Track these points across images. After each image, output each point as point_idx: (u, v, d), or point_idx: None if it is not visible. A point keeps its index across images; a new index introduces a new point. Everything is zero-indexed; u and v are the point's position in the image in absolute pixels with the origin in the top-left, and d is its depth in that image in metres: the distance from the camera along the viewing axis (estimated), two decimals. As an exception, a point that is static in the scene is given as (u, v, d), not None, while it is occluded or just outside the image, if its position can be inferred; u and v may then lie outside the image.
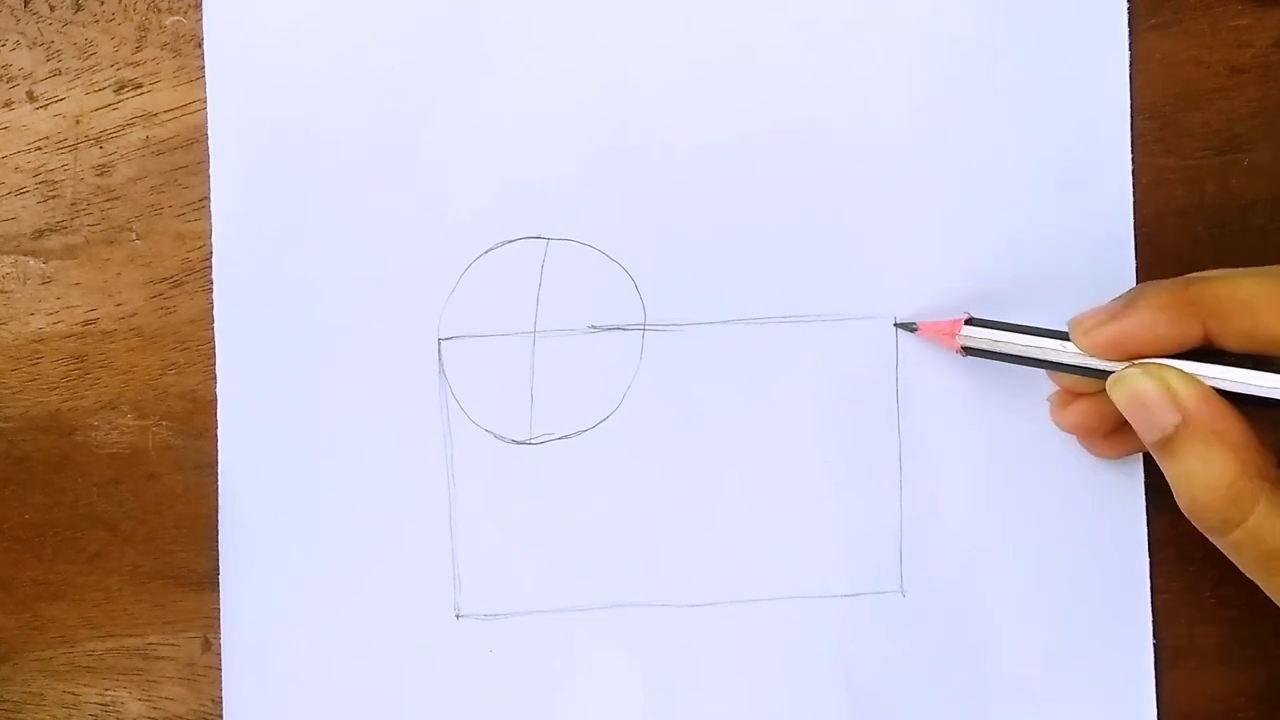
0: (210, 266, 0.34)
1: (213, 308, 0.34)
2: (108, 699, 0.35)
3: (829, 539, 0.34)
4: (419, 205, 0.34)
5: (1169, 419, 0.26)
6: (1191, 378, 0.26)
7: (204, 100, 0.34)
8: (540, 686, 0.34)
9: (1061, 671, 0.34)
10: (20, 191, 0.35)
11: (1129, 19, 0.34)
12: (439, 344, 0.34)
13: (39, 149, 0.35)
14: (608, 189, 0.34)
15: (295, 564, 0.34)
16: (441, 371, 0.34)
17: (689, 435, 0.34)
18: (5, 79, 0.35)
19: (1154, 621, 0.34)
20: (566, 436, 0.34)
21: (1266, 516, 0.25)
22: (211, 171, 0.34)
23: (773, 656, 0.34)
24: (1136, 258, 0.34)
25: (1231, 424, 0.25)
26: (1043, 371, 0.32)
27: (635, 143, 0.34)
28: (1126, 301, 0.27)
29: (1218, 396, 0.26)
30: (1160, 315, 0.26)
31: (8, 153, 0.35)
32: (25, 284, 0.35)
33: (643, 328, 0.34)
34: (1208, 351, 0.26)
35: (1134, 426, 0.27)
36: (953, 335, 0.32)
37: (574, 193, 0.34)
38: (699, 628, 0.34)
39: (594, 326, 0.34)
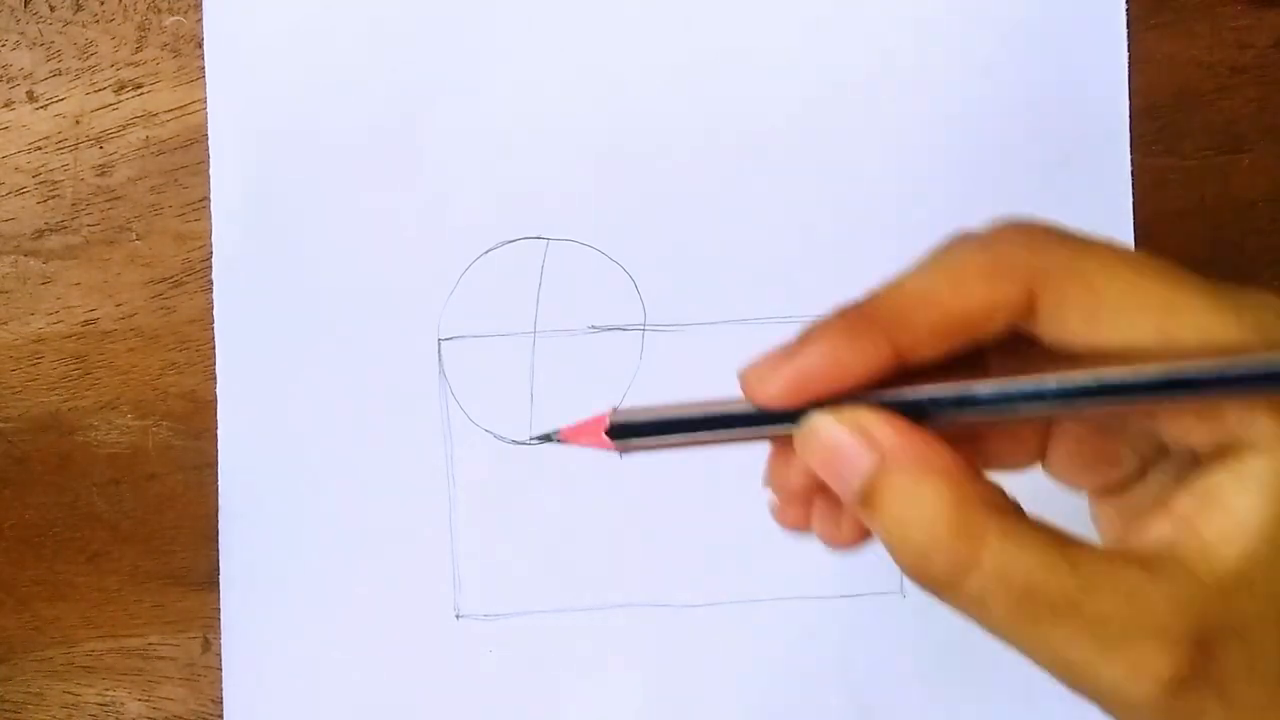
0: (210, 266, 0.34)
1: (212, 308, 0.34)
2: (108, 699, 0.35)
3: (829, 539, 0.34)
4: (419, 205, 0.34)
5: (863, 462, 0.21)
6: (888, 412, 0.21)
7: (204, 100, 0.34)
8: (540, 686, 0.34)
9: (1061, 671, 0.34)
10: (20, 191, 0.35)
11: (1129, 19, 0.34)
12: (439, 344, 0.34)
13: (39, 149, 0.35)
14: (608, 189, 0.34)
15: (295, 564, 0.34)
16: (441, 372, 0.34)
17: (689, 435, 0.34)
18: (5, 79, 0.35)
19: None
20: (566, 436, 0.34)
21: (1003, 550, 0.20)
22: (211, 171, 0.34)
23: (773, 656, 0.34)
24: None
25: (938, 451, 0.21)
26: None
27: (635, 143, 0.34)
28: (800, 338, 0.23)
29: (917, 427, 0.21)
30: (837, 343, 0.22)
31: (8, 153, 0.35)
32: (25, 284, 0.35)
33: (643, 328, 0.34)
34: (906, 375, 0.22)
35: (833, 487, 0.22)
36: (599, 436, 0.25)
37: (574, 193, 0.34)
38: (699, 628, 0.34)
39: (594, 326, 0.34)
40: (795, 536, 0.27)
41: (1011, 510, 0.21)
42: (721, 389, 0.35)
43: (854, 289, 0.34)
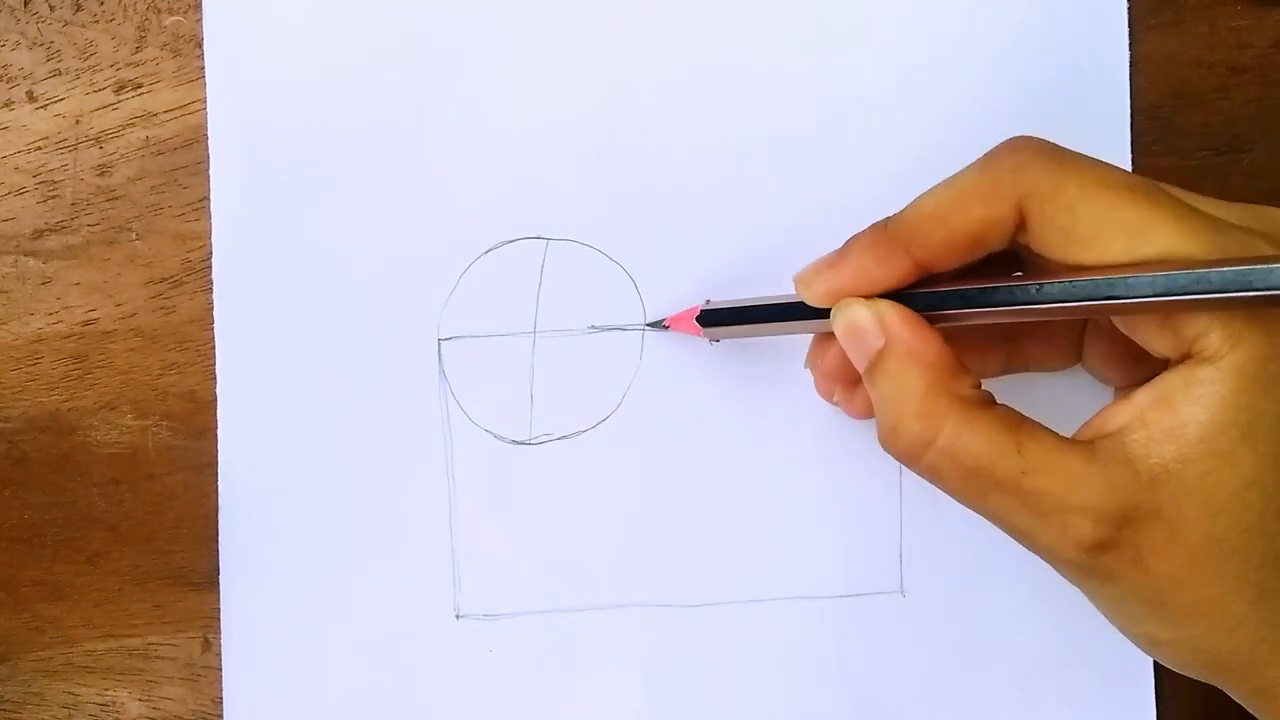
0: (210, 266, 0.34)
1: (212, 308, 0.34)
2: (107, 699, 0.35)
3: (829, 539, 0.34)
4: (419, 205, 0.34)
5: (875, 343, 0.26)
6: (899, 306, 0.26)
7: (204, 100, 0.34)
8: (540, 687, 0.34)
9: (1061, 672, 0.34)
10: (20, 191, 0.35)
11: (1129, 19, 0.34)
12: (439, 344, 0.34)
13: (39, 149, 0.35)
14: (608, 189, 0.34)
15: (295, 564, 0.34)
16: (441, 372, 0.34)
17: (689, 435, 0.34)
18: (5, 79, 0.35)
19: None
20: (566, 437, 0.34)
21: (957, 434, 0.25)
22: (211, 171, 0.34)
23: (773, 656, 0.34)
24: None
25: (929, 345, 0.26)
26: (1054, 376, 0.32)
27: (635, 143, 0.34)
28: (840, 250, 0.27)
29: (922, 323, 0.26)
30: (867, 257, 0.27)
31: (7, 153, 0.35)
32: (25, 284, 0.35)
33: (643, 328, 0.34)
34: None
35: (853, 360, 0.27)
36: (693, 324, 0.32)
37: (574, 193, 0.34)
38: (699, 628, 0.34)
39: (594, 327, 0.34)
40: (824, 404, 0.33)
41: (976, 401, 0.25)
42: (721, 389, 0.35)
43: (854, 289, 0.34)
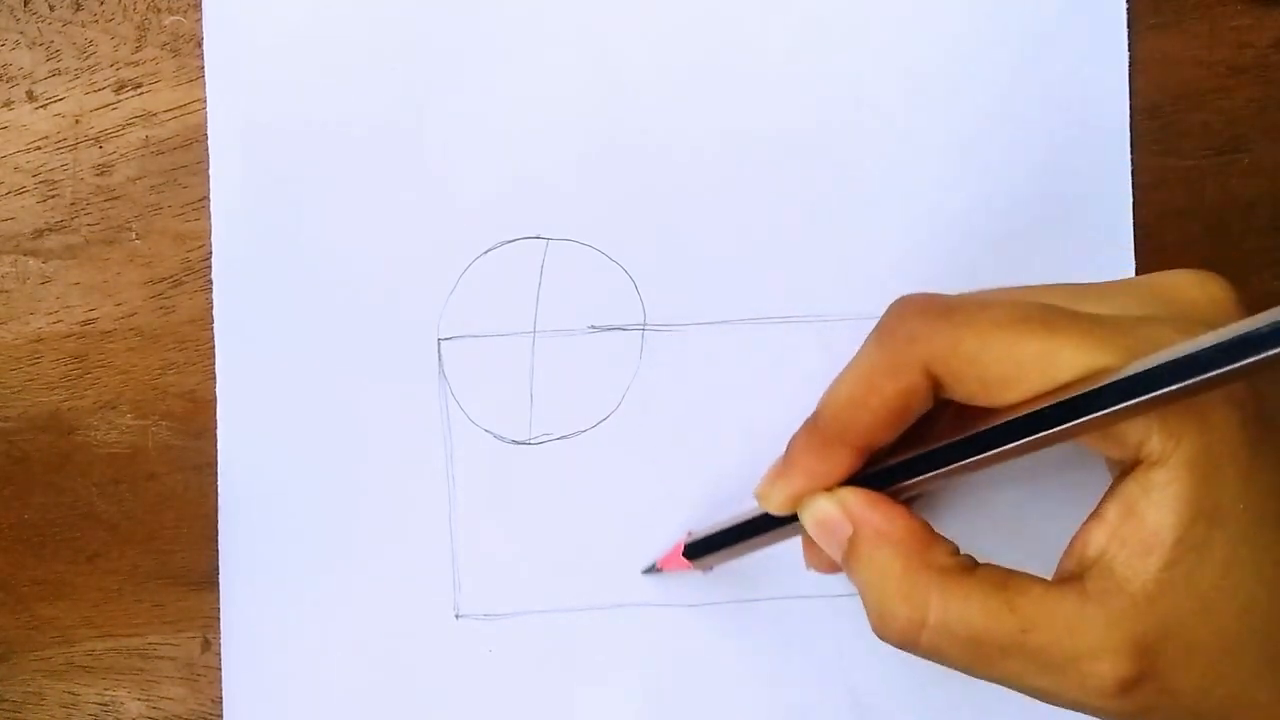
0: (210, 266, 0.34)
1: (212, 307, 0.34)
2: (107, 699, 0.35)
3: (829, 539, 0.34)
4: (419, 205, 0.34)
5: (845, 531, 0.26)
6: (862, 490, 0.26)
7: (204, 100, 0.34)
8: (540, 686, 0.34)
9: (1061, 671, 0.34)
10: (20, 191, 0.35)
11: (1129, 19, 0.34)
12: (439, 344, 0.34)
13: (38, 149, 0.35)
14: (608, 189, 0.34)
15: (295, 564, 0.34)
16: (441, 371, 0.34)
17: (689, 435, 0.34)
18: (5, 78, 0.35)
19: None
20: (566, 437, 0.34)
21: (945, 607, 0.24)
22: (211, 171, 0.34)
23: (773, 656, 0.34)
24: (1136, 258, 0.34)
25: (897, 522, 0.26)
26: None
27: (635, 143, 0.34)
28: (785, 458, 0.28)
29: (886, 502, 0.26)
30: (810, 459, 0.27)
31: (7, 152, 0.35)
32: (24, 284, 0.35)
33: (643, 328, 0.34)
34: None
35: (831, 555, 0.27)
36: (683, 561, 0.32)
37: (574, 193, 0.34)
38: (699, 628, 0.34)
39: (594, 326, 0.34)
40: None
41: (957, 569, 0.25)
42: (721, 389, 0.35)
43: (854, 289, 0.34)
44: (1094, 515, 0.24)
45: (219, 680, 0.34)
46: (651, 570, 0.34)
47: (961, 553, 0.26)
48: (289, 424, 0.34)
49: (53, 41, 0.35)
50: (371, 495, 0.34)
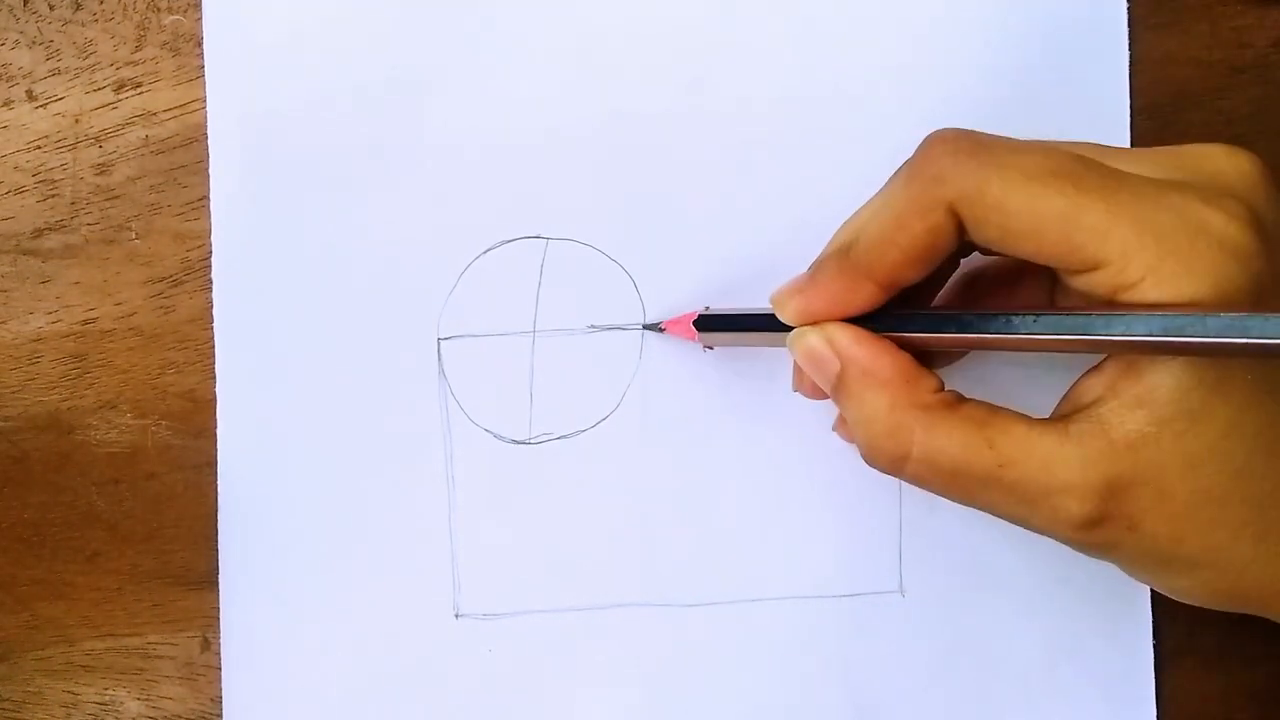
0: (209, 266, 0.34)
1: (212, 307, 0.34)
2: (107, 698, 0.35)
3: (829, 539, 0.34)
4: (418, 205, 0.34)
5: (832, 367, 0.27)
6: (849, 327, 0.27)
7: (203, 99, 0.34)
8: (539, 686, 0.34)
9: (1061, 672, 0.34)
10: (19, 191, 0.35)
11: (1129, 19, 0.34)
12: (438, 344, 0.34)
13: (38, 148, 0.35)
14: (607, 189, 0.34)
15: (295, 564, 0.34)
16: (441, 371, 0.34)
17: (688, 435, 0.34)
18: (4, 78, 0.35)
19: (1154, 622, 0.34)
20: (566, 436, 0.34)
21: (927, 441, 0.25)
22: (211, 171, 0.34)
23: (773, 656, 0.34)
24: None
25: (883, 360, 0.26)
26: (1047, 381, 0.32)
27: (635, 143, 0.34)
28: (810, 276, 0.28)
29: (873, 339, 0.27)
30: (835, 285, 0.27)
31: (7, 152, 0.35)
32: (24, 283, 0.35)
33: (642, 328, 0.34)
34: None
35: (817, 383, 0.28)
36: (689, 328, 0.32)
37: (573, 192, 0.34)
38: (699, 628, 0.34)
39: (593, 326, 0.34)
40: (823, 405, 0.33)
41: (941, 405, 0.26)
42: (721, 388, 0.35)
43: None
44: (1095, 367, 0.25)
45: (218, 680, 0.34)
46: (654, 327, 0.34)
47: (947, 388, 0.27)
48: (289, 424, 0.34)
49: (52, 41, 0.35)
50: (371, 495, 0.34)
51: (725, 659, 0.34)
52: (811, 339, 0.28)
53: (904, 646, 0.34)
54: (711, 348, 0.34)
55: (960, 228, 0.25)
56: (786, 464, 0.34)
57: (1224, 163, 0.26)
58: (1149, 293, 0.23)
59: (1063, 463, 0.24)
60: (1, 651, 0.35)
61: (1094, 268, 0.24)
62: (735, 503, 0.34)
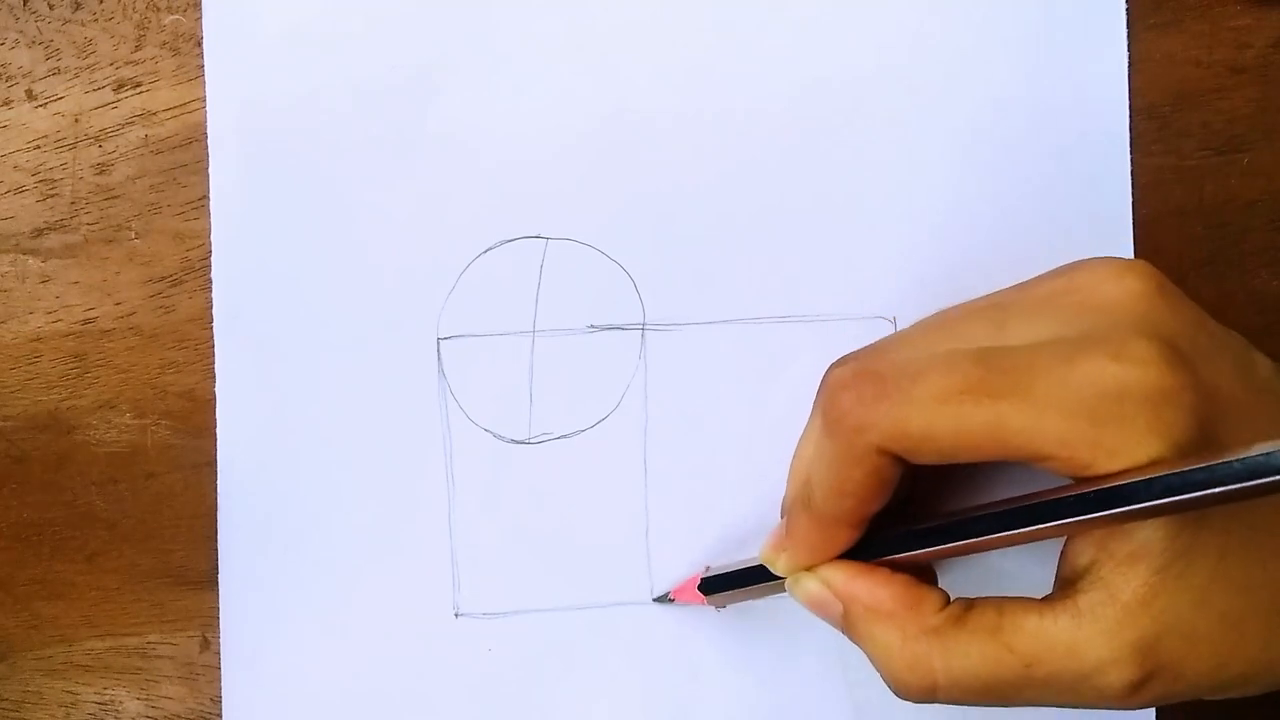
0: (209, 265, 0.34)
1: (211, 307, 0.34)
2: (106, 698, 0.35)
3: (828, 539, 0.34)
4: (418, 204, 0.34)
5: (835, 609, 0.27)
6: (844, 564, 0.27)
7: (203, 99, 0.34)
8: (539, 685, 0.34)
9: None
10: (19, 190, 0.35)
11: (1129, 19, 0.34)
12: (438, 343, 0.34)
13: (38, 148, 0.35)
14: (607, 188, 0.34)
15: (294, 563, 0.34)
16: (440, 371, 0.34)
17: (688, 435, 0.34)
18: (4, 77, 0.35)
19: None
20: (566, 436, 0.34)
21: (949, 668, 0.25)
22: (211, 170, 0.34)
23: (773, 656, 0.34)
24: (1136, 258, 0.34)
25: (884, 595, 0.27)
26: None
27: (635, 142, 0.34)
28: (786, 527, 0.28)
29: (868, 571, 0.27)
30: (812, 537, 0.27)
31: (6, 151, 0.35)
32: (24, 283, 0.35)
33: (642, 327, 0.34)
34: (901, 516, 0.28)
35: (826, 622, 0.28)
36: (695, 593, 0.33)
37: (573, 192, 0.34)
38: (699, 628, 0.34)
39: (593, 326, 0.34)
40: None
41: (948, 625, 0.26)
42: (721, 389, 0.35)
43: (854, 289, 0.34)
44: (1082, 532, 0.25)
45: (218, 679, 0.34)
46: (664, 599, 0.34)
47: (951, 601, 0.27)
48: (288, 423, 0.34)
49: (52, 40, 0.35)
50: (371, 494, 0.34)
51: (725, 659, 0.34)
52: (809, 585, 0.28)
53: (903, 646, 0.34)
54: (724, 606, 0.34)
55: (898, 458, 0.25)
56: (786, 464, 0.34)
57: (1117, 291, 0.25)
58: (1105, 466, 0.23)
59: (1087, 644, 0.24)
60: (1, 651, 0.35)
61: (1041, 459, 0.24)
62: (735, 502, 0.34)
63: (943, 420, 0.24)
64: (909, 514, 0.28)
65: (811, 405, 0.28)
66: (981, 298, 0.28)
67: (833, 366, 0.27)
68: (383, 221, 0.34)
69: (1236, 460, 0.21)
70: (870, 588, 0.27)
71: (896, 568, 0.27)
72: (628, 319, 0.34)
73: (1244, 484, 0.21)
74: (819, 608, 0.28)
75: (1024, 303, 0.27)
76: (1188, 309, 0.26)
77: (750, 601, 0.34)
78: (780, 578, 0.29)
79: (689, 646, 0.34)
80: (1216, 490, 0.21)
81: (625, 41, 0.34)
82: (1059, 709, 0.26)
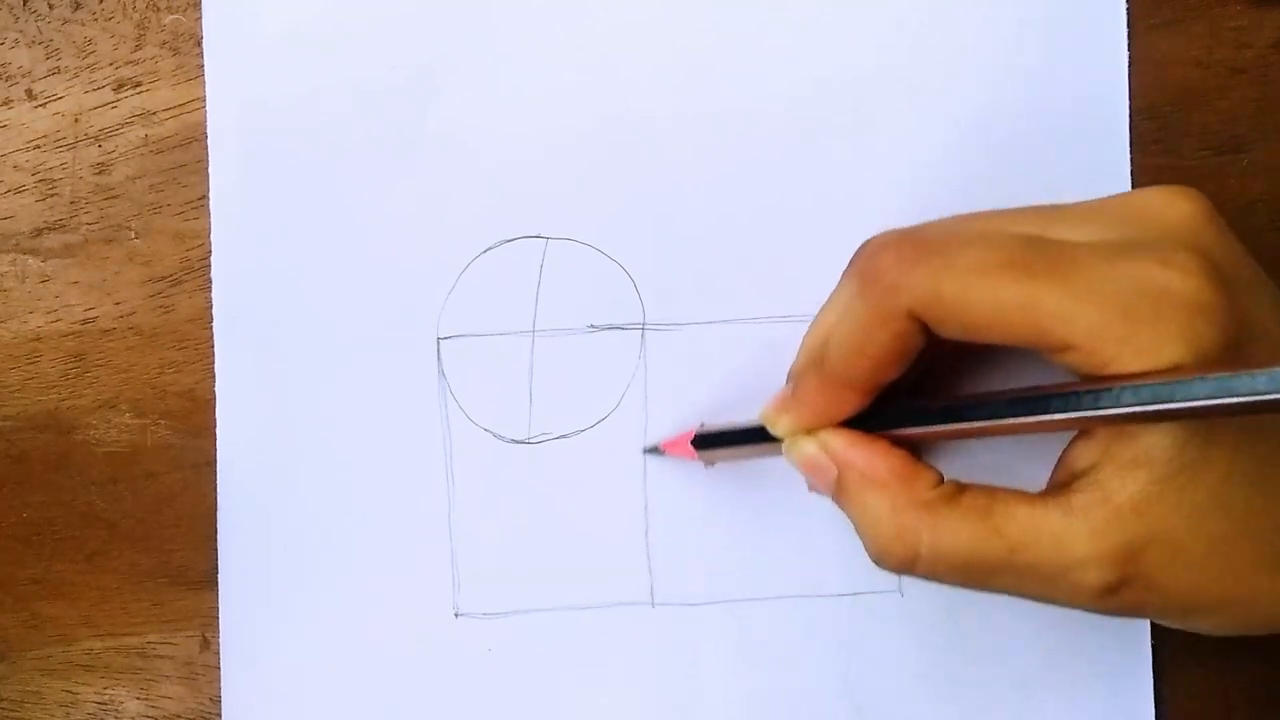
0: (209, 265, 0.34)
1: (211, 306, 0.34)
2: (106, 697, 0.35)
3: (828, 539, 0.34)
4: (418, 204, 0.34)
5: (830, 472, 0.27)
6: (843, 431, 0.27)
7: (203, 99, 0.34)
8: (539, 685, 0.34)
9: (1060, 671, 0.34)
10: (19, 190, 0.35)
11: (1129, 19, 0.34)
12: (438, 343, 0.34)
13: (38, 147, 0.35)
14: (607, 188, 0.34)
15: (294, 563, 0.34)
16: (440, 371, 0.34)
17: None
18: (4, 77, 0.35)
19: (1153, 622, 0.34)
20: (565, 436, 0.34)
21: (935, 541, 0.25)
22: (210, 170, 0.34)
23: (772, 656, 0.34)
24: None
25: (880, 462, 0.27)
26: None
27: (635, 142, 0.34)
28: (793, 391, 0.28)
29: (868, 441, 0.27)
30: (818, 399, 0.28)
31: (6, 151, 0.35)
32: (24, 282, 0.35)
33: (642, 327, 0.34)
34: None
35: (817, 486, 0.28)
36: (687, 447, 0.32)
37: (573, 192, 0.34)
38: (699, 627, 0.34)
39: (593, 326, 0.34)
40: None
41: (941, 500, 0.26)
42: (721, 389, 0.35)
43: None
44: (1084, 433, 0.25)
45: (218, 679, 0.34)
46: (653, 450, 0.34)
47: (945, 481, 0.27)
48: (288, 423, 0.34)
49: (52, 40, 0.35)
50: (371, 494, 0.34)
51: (725, 659, 0.34)
52: (807, 447, 0.28)
53: (903, 646, 0.34)
54: (713, 464, 0.34)
55: (924, 327, 0.25)
56: (786, 463, 0.34)
57: (1169, 211, 0.26)
58: (1128, 364, 0.23)
59: (1073, 538, 0.24)
60: (1, 651, 0.35)
61: (1065, 349, 0.24)
62: (735, 502, 0.34)
63: (978, 291, 0.24)
64: (912, 400, 0.28)
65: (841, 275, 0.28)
66: (1030, 205, 0.28)
67: (871, 238, 0.27)
68: (383, 221, 0.34)
69: (1261, 374, 0.21)
70: (868, 456, 0.27)
71: (895, 444, 0.27)
72: (628, 319, 0.34)
73: (1263, 397, 0.21)
74: (813, 471, 0.28)
75: (1075, 209, 0.27)
76: (1235, 242, 0.26)
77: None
78: (776, 440, 0.29)
79: (689, 646, 0.34)
80: (1234, 400, 0.21)
81: (625, 41, 0.34)
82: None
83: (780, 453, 0.29)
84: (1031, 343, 0.24)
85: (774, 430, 0.29)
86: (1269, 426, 0.24)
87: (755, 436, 0.30)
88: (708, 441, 0.32)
